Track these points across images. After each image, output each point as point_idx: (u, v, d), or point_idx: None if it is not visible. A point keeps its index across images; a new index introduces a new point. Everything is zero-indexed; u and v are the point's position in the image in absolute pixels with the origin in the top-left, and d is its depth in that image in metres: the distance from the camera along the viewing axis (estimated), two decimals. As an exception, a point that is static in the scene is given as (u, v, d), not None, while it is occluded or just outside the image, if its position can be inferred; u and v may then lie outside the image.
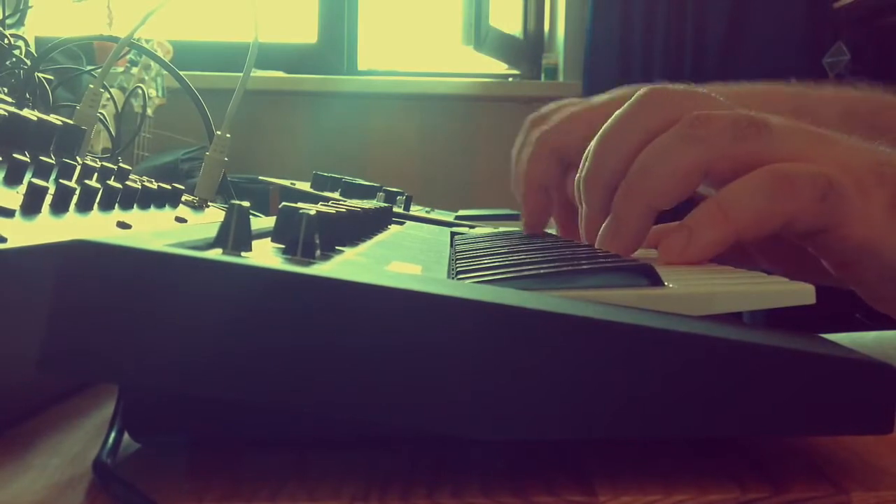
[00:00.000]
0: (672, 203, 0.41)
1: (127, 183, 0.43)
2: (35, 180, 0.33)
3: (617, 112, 0.44)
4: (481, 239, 0.55)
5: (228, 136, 0.69)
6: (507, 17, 2.31)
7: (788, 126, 0.40)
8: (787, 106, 0.56)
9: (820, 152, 0.39)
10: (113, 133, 0.81)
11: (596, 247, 0.43)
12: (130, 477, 0.23)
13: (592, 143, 0.45)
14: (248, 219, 0.27)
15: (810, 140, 0.40)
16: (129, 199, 0.43)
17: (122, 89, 1.50)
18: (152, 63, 1.58)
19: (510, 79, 2.37)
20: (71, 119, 0.58)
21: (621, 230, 0.42)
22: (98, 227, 0.37)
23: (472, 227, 0.72)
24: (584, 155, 0.46)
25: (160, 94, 1.66)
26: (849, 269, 0.40)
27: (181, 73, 0.76)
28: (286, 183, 0.98)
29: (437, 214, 0.88)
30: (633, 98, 0.44)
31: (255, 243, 0.28)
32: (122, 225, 0.39)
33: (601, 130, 0.44)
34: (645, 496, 0.23)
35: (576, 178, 0.46)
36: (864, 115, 0.55)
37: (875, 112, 0.56)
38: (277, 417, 0.25)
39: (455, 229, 0.69)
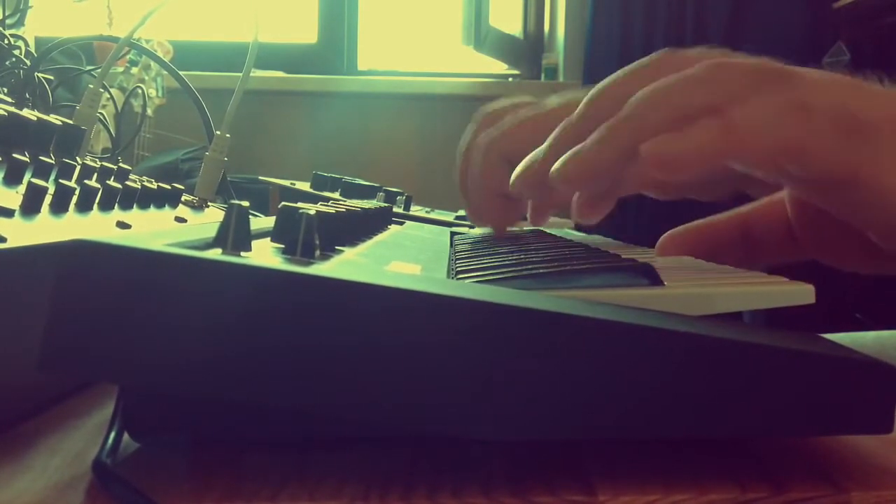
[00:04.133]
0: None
1: (127, 183, 0.43)
2: (35, 180, 0.33)
3: (620, 71, 0.40)
4: (481, 239, 0.55)
5: (228, 136, 0.69)
6: (507, 17, 2.31)
7: (823, 77, 0.35)
8: None
9: (861, 101, 0.34)
10: (113, 133, 0.81)
11: (553, 168, 0.37)
12: (130, 477, 0.23)
13: (583, 101, 0.40)
14: (248, 219, 0.27)
15: (849, 90, 0.35)
16: (129, 199, 0.43)
17: (122, 89, 1.50)
18: (152, 63, 1.58)
19: (510, 79, 2.37)
20: (71, 119, 0.58)
21: (591, 152, 0.36)
22: (98, 227, 0.37)
23: (472, 227, 0.72)
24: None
25: (160, 94, 1.66)
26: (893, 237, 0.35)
27: (181, 73, 0.76)
28: (286, 183, 0.98)
29: (437, 214, 0.88)
30: (641, 60, 0.40)
31: (254, 243, 0.28)
32: (122, 225, 0.39)
33: (596, 87, 0.40)
34: (645, 496, 0.23)
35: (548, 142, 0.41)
36: None
37: None
38: (277, 417, 0.25)
39: (455, 229, 0.69)
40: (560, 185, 0.37)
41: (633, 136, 0.35)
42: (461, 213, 0.94)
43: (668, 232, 0.45)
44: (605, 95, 0.39)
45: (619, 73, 0.40)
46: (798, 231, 0.44)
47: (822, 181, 0.34)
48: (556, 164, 0.37)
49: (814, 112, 0.33)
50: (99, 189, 0.39)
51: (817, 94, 0.34)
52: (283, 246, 0.30)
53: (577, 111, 0.40)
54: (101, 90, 0.64)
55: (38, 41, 0.93)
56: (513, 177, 0.41)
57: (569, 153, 0.37)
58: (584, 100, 0.40)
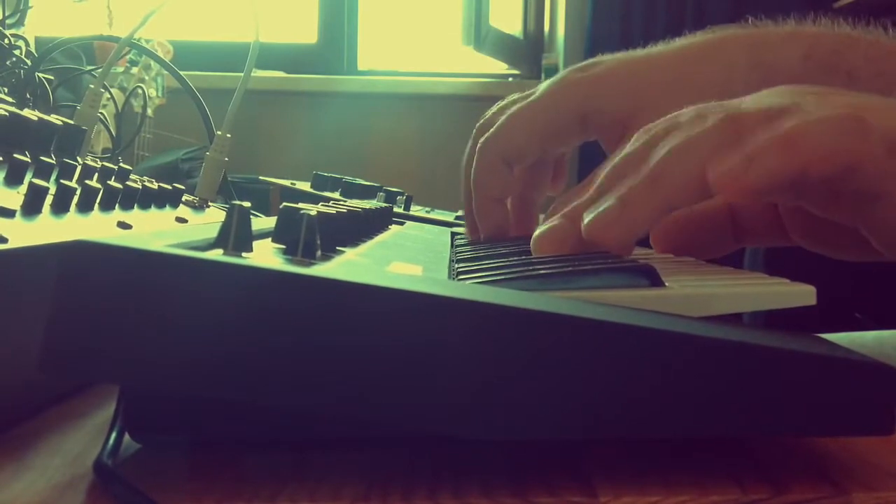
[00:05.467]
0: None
1: (127, 183, 0.44)
2: (36, 180, 0.33)
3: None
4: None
5: (229, 136, 0.69)
6: (507, 17, 2.31)
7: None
8: (745, 57, 0.53)
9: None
10: (113, 133, 0.81)
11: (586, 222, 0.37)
12: (131, 477, 0.23)
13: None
14: (249, 219, 0.27)
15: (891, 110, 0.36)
16: (130, 199, 0.43)
17: (123, 89, 1.50)
18: (152, 63, 1.58)
19: (510, 79, 2.37)
20: (71, 119, 0.58)
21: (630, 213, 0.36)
22: (99, 227, 0.37)
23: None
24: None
25: (160, 94, 1.66)
26: None
27: (181, 73, 0.76)
28: (286, 183, 0.98)
29: (437, 214, 0.88)
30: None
31: (255, 244, 0.28)
32: (123, 225, 0.39)
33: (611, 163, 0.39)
34: (645, 496, 0.23)
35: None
36: (823, 55, 0.52)
37: (834, 52, 0.53)
38: (277, 417, 0.25)
39: (455, 229, 0.69)
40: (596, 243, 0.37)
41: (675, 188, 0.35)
42: (461, 212, 0.94)
43: (662, 222, 0.45)
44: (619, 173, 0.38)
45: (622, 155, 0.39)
46: (788, 223, 0.44)
47: (865, 195, 0.35)
48: (595, 225, 0.36)
49: (868, 125, 0.34)
50: (100, 189, 0.39)
51: (868, 110, 0.35)
52: (284, 246, 0.30)
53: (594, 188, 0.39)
54: (102, 90, 0.64)
55: (38, 41, 0.93)
56: (535, 238, 0.39)
57: (606, 214, 0.36)
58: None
